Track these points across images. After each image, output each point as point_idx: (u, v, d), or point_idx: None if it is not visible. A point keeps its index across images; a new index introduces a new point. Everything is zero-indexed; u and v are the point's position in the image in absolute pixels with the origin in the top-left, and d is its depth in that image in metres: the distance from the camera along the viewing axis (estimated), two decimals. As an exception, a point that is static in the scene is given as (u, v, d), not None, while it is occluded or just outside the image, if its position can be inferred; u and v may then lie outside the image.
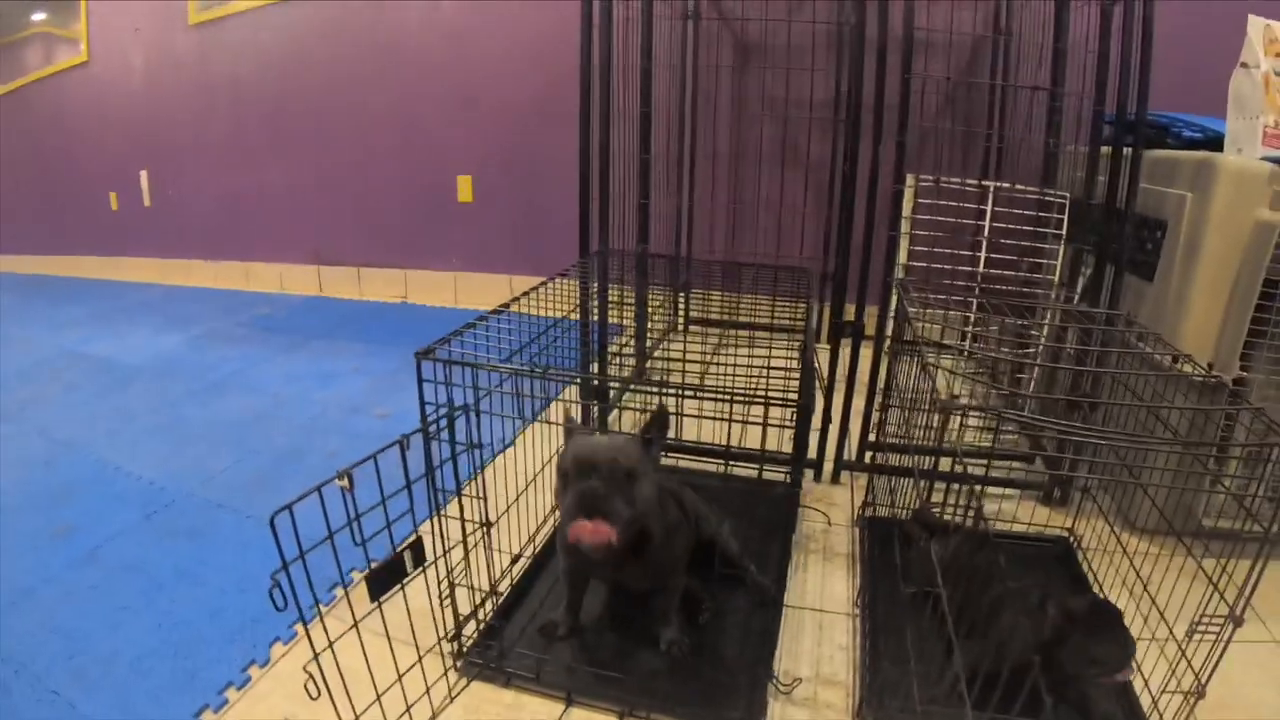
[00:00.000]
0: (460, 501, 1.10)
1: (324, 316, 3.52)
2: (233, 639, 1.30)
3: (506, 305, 1.32)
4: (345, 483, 0.78)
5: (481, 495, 1.12)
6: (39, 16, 4.23)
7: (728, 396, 1.04)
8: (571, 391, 1.80)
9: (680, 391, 1.11)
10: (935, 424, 1.04)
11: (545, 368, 1.08)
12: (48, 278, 4.73)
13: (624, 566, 1.13)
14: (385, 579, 0.91)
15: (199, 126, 3.93)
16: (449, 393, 1.01)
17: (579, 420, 1.26)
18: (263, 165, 3.84)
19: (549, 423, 1.26)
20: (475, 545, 1.15)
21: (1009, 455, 1.61)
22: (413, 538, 0.97)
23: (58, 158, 4.46)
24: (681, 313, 2.82)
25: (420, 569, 0.97)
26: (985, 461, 1.39)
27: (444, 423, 1.01)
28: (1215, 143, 1.58)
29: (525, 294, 1.41)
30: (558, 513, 1.47)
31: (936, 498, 1.42)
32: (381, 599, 0.91)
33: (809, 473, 1.77)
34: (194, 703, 1.15)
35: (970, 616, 1.19)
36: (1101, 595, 1.11)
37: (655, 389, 1.09)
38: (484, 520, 1.14)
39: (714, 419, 1.11)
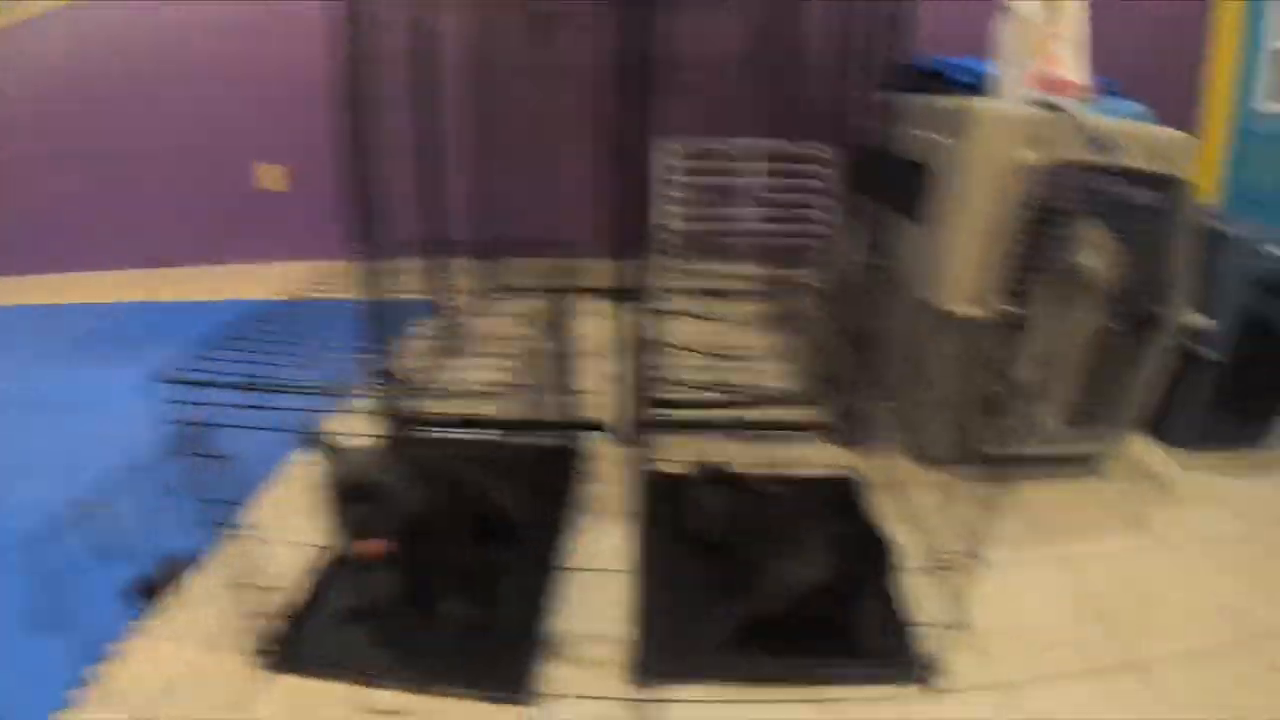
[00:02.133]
0: (222, 510, 1.12)
1: (151, 323, 3.28)
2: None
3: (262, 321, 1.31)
4: (95, 509, 0.79)
5: (238, 500, 1.14)
6: None
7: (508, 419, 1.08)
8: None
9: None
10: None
11: (292, 386, 1.10)
12: None
13: (403, 556, 1.18)
14: (153, 588, 0.93)
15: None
16: (196, 412, 1.02)
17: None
18: (71, 170, 3.61)
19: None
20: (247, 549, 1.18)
21: (792, 400, 1.66)
22: (168, 555, 0.99)
23: None
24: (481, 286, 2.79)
25: (174, 582, 0.99)
26: (767, 408, 1.45)
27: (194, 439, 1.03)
28: (986, 85, 1.62)
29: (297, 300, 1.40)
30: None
31: (720, 449, 1.48)
32: (152, 605, 0.93)
33: (592, 433, 1.78)
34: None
35: (747, 566, 1.26)
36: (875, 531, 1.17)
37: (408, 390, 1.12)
38: (244, 524, 1.16)
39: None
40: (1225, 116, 2.65)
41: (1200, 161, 2.59)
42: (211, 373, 1.11)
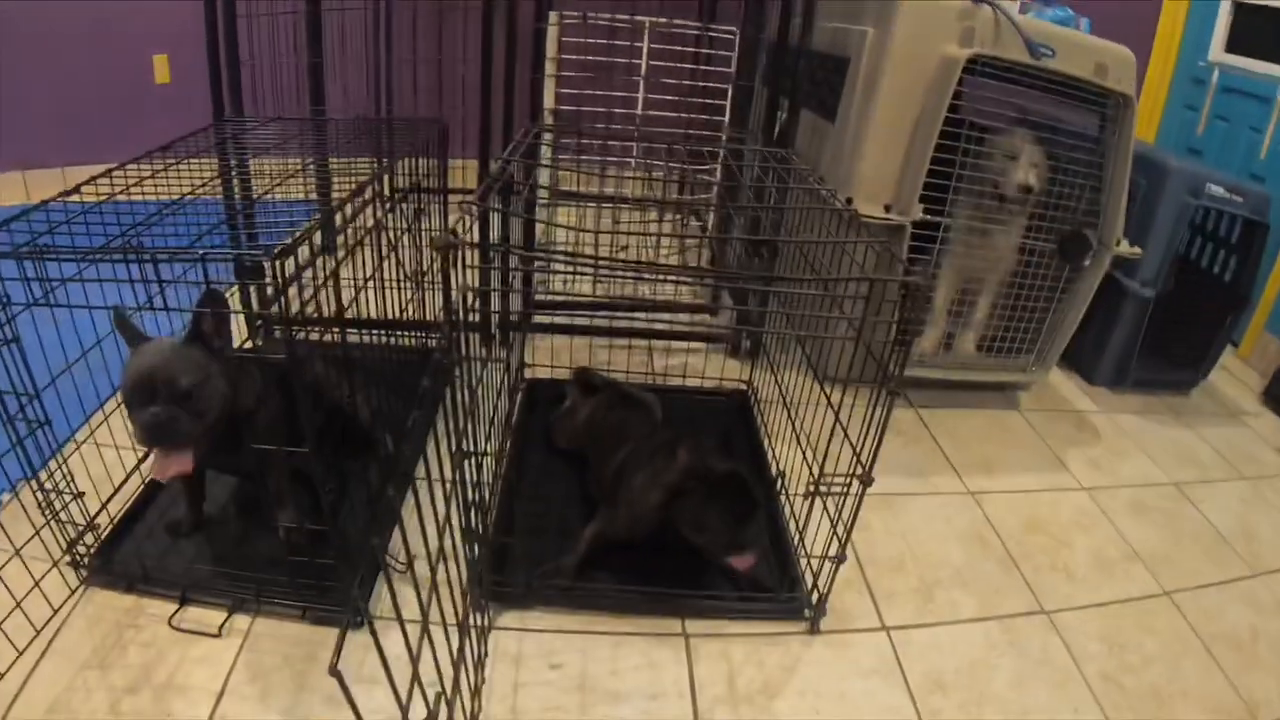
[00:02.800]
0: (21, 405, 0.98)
1: (35, 228, 3.19)
2: None
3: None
4: None
5: (29, 393, 0.99)
6: None
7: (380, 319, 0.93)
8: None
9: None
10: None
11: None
12: None
13: (226, 459, 1.06)
14: None
15: None
16: None
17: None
18: None
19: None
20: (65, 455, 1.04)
21: (686, 307, 1.54)
22: None
23: None
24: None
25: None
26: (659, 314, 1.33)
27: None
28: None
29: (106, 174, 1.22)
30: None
31: (614, 357, 1.36)
32: None
33: (464, 334, 1.64)
34: None
35: (615, 481, 1.14)
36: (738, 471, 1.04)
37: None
38: (41, 420, 1.01)
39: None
40: (1172, 63, 2.59)
41: (1143, 105, 2.56)
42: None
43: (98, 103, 3.32)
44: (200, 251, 0.89)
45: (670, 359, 1.50)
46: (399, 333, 1.18)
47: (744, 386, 1.43)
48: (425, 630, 0.75)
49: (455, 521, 1.18)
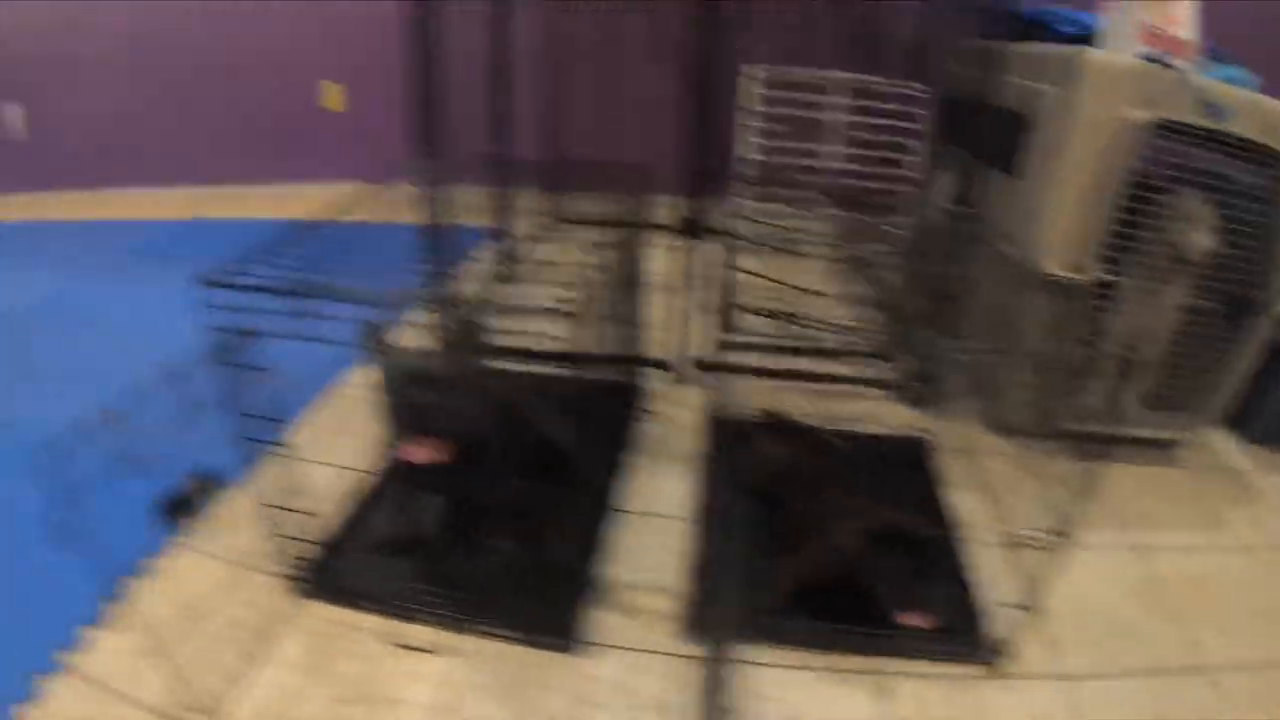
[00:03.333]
0: (261, 427, 1.05)
1: (205, 239, 3.37)
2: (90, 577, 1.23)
3: (313, 225, 1.23)
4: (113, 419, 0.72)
5: (278, 418, 1.07)
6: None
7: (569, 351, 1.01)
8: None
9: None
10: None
11: (344, 292, 1.02)
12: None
13: (457, 478, 1.12)
14: (178, 508, 0.86)
15: (63, 55, 3.70)
16: (240, 320, 0.94)
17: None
18: (131, 88, 3.63)
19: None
20: (287, 469, 1.11)
21: (868, 355, 1.57)
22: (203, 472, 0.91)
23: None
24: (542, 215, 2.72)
25: (206, 498, 0.92)
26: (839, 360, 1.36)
27: (237, 348, 0.95)
28: (1091, 39, 1.51)
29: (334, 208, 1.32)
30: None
31: (788, 399, 1.40)
32: (178, 526, 0.86)
33: (658, 372, 1.70)
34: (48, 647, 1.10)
35: (808, 523, 1.17)
36: (921, 525, 1.08)
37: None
38: (284, 443, 1.08)
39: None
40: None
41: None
42: (259, 277, 1.03)
43: (270, 126, 3.55)
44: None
45: (846, 403, 1.53)
46: (595, 366, 1.23)
47: (921, 434, 1.45)
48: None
49: (661, 552, 1.24)
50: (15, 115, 4.10)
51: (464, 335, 1.07)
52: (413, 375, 1.02)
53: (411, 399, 1.00)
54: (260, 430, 1.06)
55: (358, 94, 3.33)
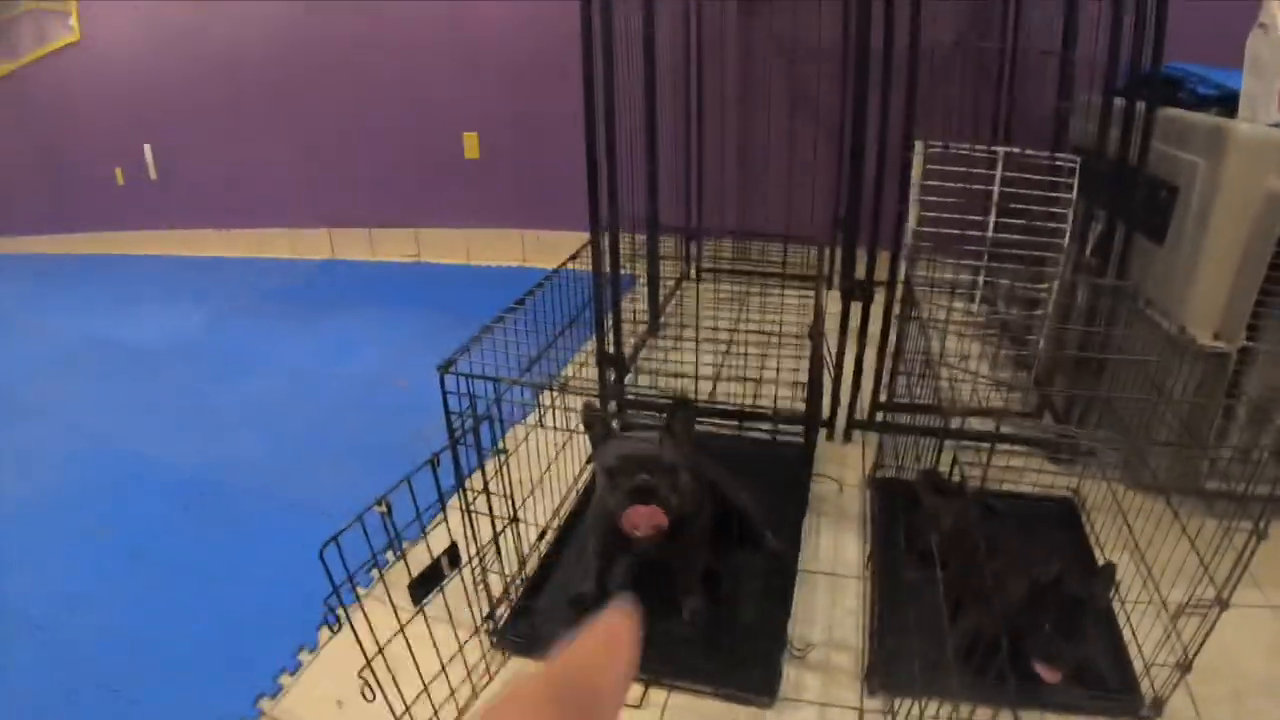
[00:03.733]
0: (489, 500, 1.16)
1: (338, 282, 3.56)
2: (282, 626, 1.37)
3: (520, 303, 1.34)
4: (384, 509, 0.83)
5: (508, 494, 1.18)
6: (27, -6, 4.14)
7: (738, 408, 1.09)
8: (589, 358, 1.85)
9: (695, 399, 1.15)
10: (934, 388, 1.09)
11: (565, 383, 1.13)
12: (56, 257, 4.72)
13: (658, 546, 1.20)
14: (426, 583, 0.97)
15: (200, 96, 3.90)
16: (472, 403, 1.05)
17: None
18: (266, 131, 3.82)
19: (563, 408, 1.31)
20: (502, 535, 1.22)
21: (1015, 414, 1.64)
22: (448, 544, 1.03)
23: (59, 137, 4.43)
24: (694, 265, 2.87)
25: (456, 571, 1.03)
26: (994, 423, 1.43)
27: (470, 431, 1.06)
28: (1230, 100, 1.54)
29: (534, 290, 1.43)
30: (579, 489, 1.54)
31: (941, 461, 1.46)
32: (424, 602, 0.98)
33: (821, 431, 1.80)
34: (251, 690, 1.24)
35: (972, 584, 1.24)
36: (1075, 586, 1.14)
37: (667, 398, 1.14)
38: (512, 516, 1.20)
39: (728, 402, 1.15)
40: None
41: None
42: (484, 365, 1.14)
43: (410, 173, 3.72)
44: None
45: (998, 461, 1.60)
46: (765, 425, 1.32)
47: (1069, 494, 1.51)
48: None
49: (839, 611, 1.32)
50: (152, 157, 4.30)
51: (679, 411, 1.16)
52: (639, 450, 1.10)
53: (633, 472, 1.08)
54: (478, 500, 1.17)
55: (488, 142, 3.46)
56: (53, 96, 4.33)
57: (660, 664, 1.21)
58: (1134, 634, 1.25)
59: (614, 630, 0.23)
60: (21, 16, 4.24)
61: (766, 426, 1.26)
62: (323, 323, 3.01)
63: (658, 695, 1.20)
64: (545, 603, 1.34)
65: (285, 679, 1.26)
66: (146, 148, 4.18)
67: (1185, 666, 1.11)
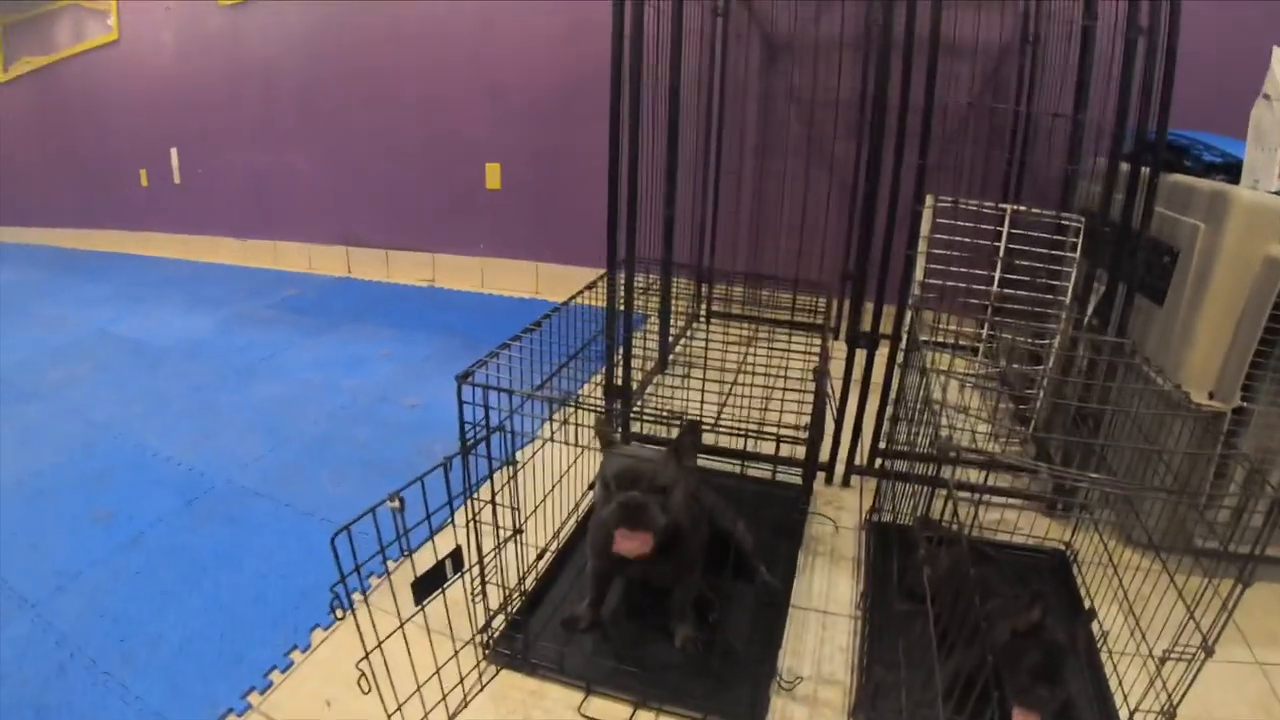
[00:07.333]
0: (495, 511, 1.18)
1: (352, 299, 3.61)
2: (275, 624, 1.39)
3: (538, 324, 1.38)
4: (396, 504, 0.85)
5: (515, 505, 1.20)
6: (69, -11, 4.28)
7: (743, 433, 1.11)
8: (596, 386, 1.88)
9: (700, 418, 1.18)
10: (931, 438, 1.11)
11: (578, 399, 1.16)
12: (77, 252, 4.83)
13: (650, 566, 1.22)
14: (428, 584, 0.99)
15: (229, 106, 3.99)
16: (486, 414, 1.08)
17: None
18: (292, 146, 3.91)
19: (574, 425, 1.33)
20: (504, 547, 1.24)
21: (1011, 466, 1.66)
22: (453, 547, 1.05)
23: (89, 134, 4.54)
24: (704, 307, 2.91)
25: (459, 574, 1.05)
26: (985, 473, 1.46)
27: (482, 440, 1.09)
28: (1234, 168, 1.60)
29: (550, 315, 1.47)
30: (580, 513, 1.56)
31: (936, 506, 1.49)
32: (425, 602, 0.99)
33: (820, 475, 1.84)
34: (240, 684, 1.25)
35: (963, 627, 1.26)
36: (1057, 632, 1.16)
37: (675, 420, 1.17)
38: (516, 528, 1.21)
39: (732, 434, 1.18)
40: None
41: None
42: (499, 379, 1.17)
43: (431, 198, 3.79)
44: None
45: (986, 513, 1.62)
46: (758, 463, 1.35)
47: (1062, 546, 1.53)
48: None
49: (829, 647, 1.33)
50: (177, 161, 4.39)
51: (687, 434, 1.19)
52: (635, 466, 1.11)
53: (629, 492, 1.09)
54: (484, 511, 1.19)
55: (510, 173, 3.54)
56: (86, 93, 4.44)
57: (649, 686, 1.21)
58: (1120, 683, 1.26)
59: None
60: (62, 11, 4.37)
61: (767, 466, 1.28)
62: (334, 337, 3.05)
63: (645, 717, 1.20)
64: (539, 621, 1.35)
65: (275, 675, 1.27)
66: (173, 151, 4.27)
67: (1169, 714, 1.12)
